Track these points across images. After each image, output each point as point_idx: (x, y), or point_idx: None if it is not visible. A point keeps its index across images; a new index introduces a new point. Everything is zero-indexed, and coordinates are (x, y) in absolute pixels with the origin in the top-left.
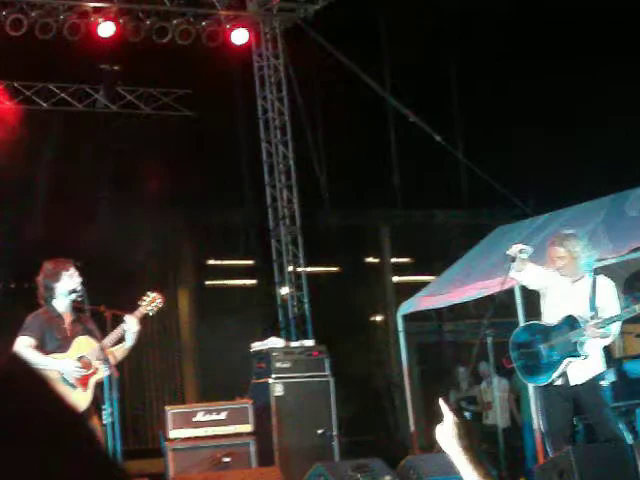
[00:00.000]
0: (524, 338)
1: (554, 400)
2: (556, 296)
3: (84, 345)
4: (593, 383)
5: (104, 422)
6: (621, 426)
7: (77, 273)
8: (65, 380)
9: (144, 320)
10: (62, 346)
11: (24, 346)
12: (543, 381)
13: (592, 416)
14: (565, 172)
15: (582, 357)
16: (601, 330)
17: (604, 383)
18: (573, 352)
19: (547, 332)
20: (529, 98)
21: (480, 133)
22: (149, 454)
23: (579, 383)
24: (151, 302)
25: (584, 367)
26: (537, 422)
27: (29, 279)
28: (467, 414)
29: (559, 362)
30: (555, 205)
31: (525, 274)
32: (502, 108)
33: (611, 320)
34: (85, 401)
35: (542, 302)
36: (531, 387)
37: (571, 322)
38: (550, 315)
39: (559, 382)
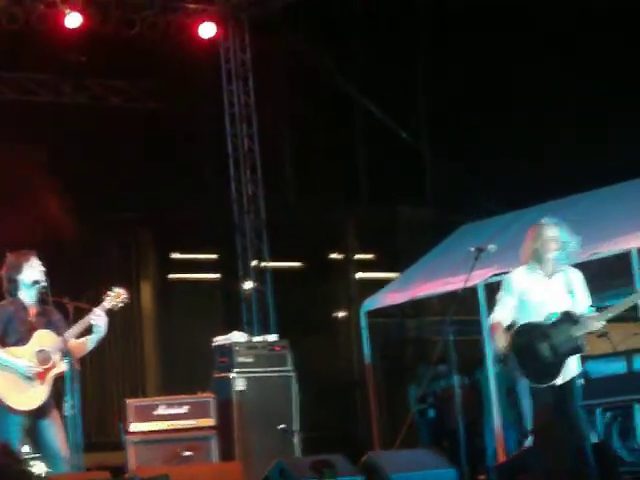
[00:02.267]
0: (522, 341)
1: (544, 399)
2: (538, 295)
3: (45, 338)
4: (573, 383)
5: (65, 414)
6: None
7: (39, 263)
8: (22, 374)
9: (107, 313)
10: (23, 338)
11: None
12: (551, 382)
13: (568, 417)
14: (531, 170)
15: (584, 352)
16: (602, 322)
17: (581, 383)
18: (577, 348)
19: (545, 331)
20: (495, 96)
21: (446, 130)
22: (110, 447)
23: (561, 383)
24: (116, 297)
25: (566, 366)
26: (528, 421)
27: None
28: (430, 410)
29: (563, 360)
30: (520, 204)
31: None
32: (468, 105)
33: (609, 311)
34: (42, 395)
35: (521, 306)
36: (493, 385)
37: (569, 317)
38: (537, 316)
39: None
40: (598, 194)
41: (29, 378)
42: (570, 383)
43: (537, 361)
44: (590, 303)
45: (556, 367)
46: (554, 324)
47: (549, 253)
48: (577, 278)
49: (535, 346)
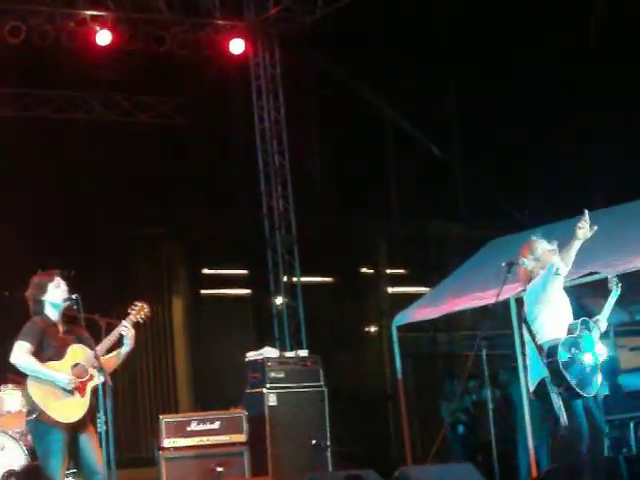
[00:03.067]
0: (565, 356)
1: (579, 409)
2: (561, 302)
3: (79, 353)
4: (598, 396)
5: (98, 430)
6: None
7: (64, 282)
8: (61, 388)
9: (137, 328)
10: (58, 353)
11: (23, 351)
12: (593, 392)
13: (598, 429)
14: (561, 184)
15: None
16: (605, 321)
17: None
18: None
19: (577, 342)
20: (527, 111)
21: (477, 145)
22: (142, 463)
23: (593, 394)
24: (140, 311)
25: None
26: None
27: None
28: (460, 426)
29: (598, 366)
30: (551, 218)
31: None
32: (500, 120)
33: (607, 311)
34: (82, 408)
35: (548, 308)
36: (526, 399)
37: (586, 324)
38: (559, 323)
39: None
40: (626, 208)
41: (69, 391)
42: (598, 396)
43: (580, 371)
44: None
45: (595, 375)
46: (580, 334)
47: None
48: None
49: (576, 358)
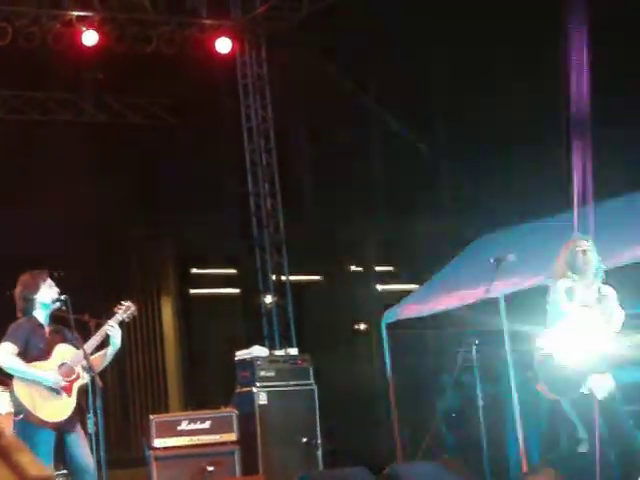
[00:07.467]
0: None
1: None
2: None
3: (66, 352)
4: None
5: (88, 431)
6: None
7: (54, 283)
8: (48, 387)
9: (125, 328)
10: (45, 353)
11: (7, 353)
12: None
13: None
14: (551, 180)
15: None
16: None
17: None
18: None
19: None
20: (514, 104)
21: (464, 141)
22: (133, 463)
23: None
24: (126, 310)
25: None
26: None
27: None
28: (454, 421)
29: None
30: (539, 214)
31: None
32: (487, 115)
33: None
34: (70, 407)
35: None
36: (515, 396)
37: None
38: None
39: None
40: (620, 201)
41: (56, 391)
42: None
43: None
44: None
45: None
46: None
47: (587, 265)
48: (612, 294)
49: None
